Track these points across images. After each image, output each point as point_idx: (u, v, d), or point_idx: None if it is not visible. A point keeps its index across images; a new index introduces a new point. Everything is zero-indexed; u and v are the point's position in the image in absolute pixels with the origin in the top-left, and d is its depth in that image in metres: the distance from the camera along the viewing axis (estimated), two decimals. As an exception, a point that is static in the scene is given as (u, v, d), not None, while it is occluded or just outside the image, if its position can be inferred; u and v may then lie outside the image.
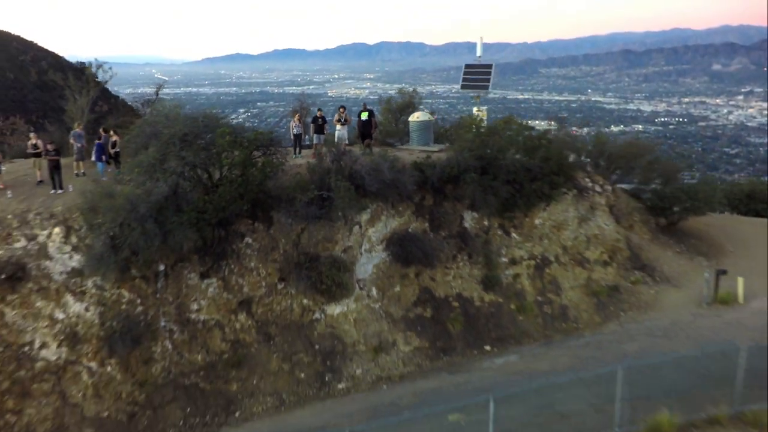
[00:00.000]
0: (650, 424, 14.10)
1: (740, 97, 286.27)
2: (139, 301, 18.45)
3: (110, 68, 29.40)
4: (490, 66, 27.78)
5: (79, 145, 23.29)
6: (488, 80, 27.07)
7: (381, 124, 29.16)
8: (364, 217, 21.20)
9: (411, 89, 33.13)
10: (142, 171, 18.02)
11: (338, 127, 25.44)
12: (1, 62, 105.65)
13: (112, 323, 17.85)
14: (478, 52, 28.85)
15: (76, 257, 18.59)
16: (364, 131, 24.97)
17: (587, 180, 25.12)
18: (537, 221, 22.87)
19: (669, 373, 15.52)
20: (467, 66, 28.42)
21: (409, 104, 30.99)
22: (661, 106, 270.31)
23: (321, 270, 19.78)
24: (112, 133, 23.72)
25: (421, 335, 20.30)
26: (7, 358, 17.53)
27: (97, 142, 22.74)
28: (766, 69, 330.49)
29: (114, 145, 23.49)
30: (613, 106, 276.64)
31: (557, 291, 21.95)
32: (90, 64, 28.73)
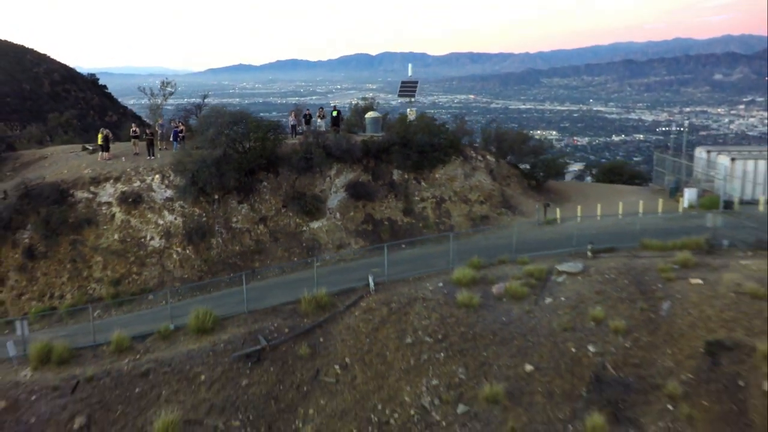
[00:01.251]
0: (468, 263, 25.30)
1: (741, 107, 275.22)
2: (204, 215, 29.60)
3: (173, 82, 40.05)
4: (416, 82, 38.96)
5: (161, 131, 34.51)
6: (414, 91, 38.21)
7: (348, 119, 40.37)
8: (332, 171, 32.33)
9: (371, 97, 44.51)
10: (207, 143, 29.29)
11: (318, 120, 36.64)
12: (18, 74, 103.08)
13: (189, 226, 28.98)
14: (409, 72, 40.09)
15: (169, 191, 29.73)
16: (334, 122, 36.17)
17: (472, 153, 36.24)
18: (437, 175, 33.93)
19: (480, 240, 26.79)
20: (402, 82, 39.60)
21: (369, 107, 42.08)
22: (663, 116, 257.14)
23: (307, 201, 30.90)
24: (180, 124, 35.00)
25: (365, 239, 31.34)
26: (132, 245, 28.62)
27: (174, 129, 33.98)
28: (767, 78, 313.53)
29: (181, 131, 34.65)
30: (614, 116, 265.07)
31: (449, 216, 33.07)
32: (163, 81, 39.37)
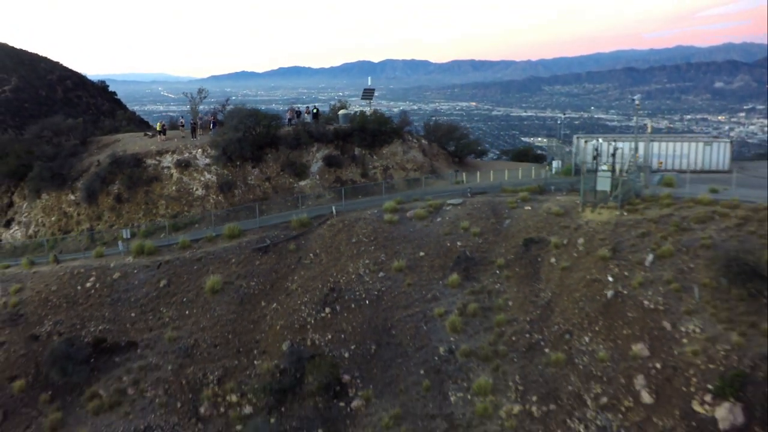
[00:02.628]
0: (394, 200, 36.17)
1: (742, 114, 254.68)
2: (230, 175, 40.24)
3: (205, 89, 50.40)
4: (373, 89, 49.81)
5: (201, 122, 45.25)
6: (372, 96, 49.13)
7: (329, 115, 51.01)
8: (314, 148, 43.05)
9: (344, 99, 55.30)
10: (231, 129, 40.08)
11: (306, 115, 47.47)
12: (33, 81, 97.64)
13: (221, 181, 39.61)
14: (369, 82, 50.98)
15: (207, 159, 40.31)
16: (314, 117, 46.95)
17: (410, 137, 47.15)
18: (384, 151, 44.71)
19: (409, 192, 37.82)
20: (364, 89, 50.41)
21: (343, 106, 52.73)
22: (663, 123, 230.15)
23: (296, 167, 41.63)
24: (214, 117, 45.78)
25: (334, 192, 42.23)
26: (184, 193, 39.34)
27: (212, 121, 44.79)
28: (767, 86, 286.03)
29: (216, 122, 45.34)
30: (615, 123, 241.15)
31: (391, 178, 43.99)
32: (200, 89, 49.64)
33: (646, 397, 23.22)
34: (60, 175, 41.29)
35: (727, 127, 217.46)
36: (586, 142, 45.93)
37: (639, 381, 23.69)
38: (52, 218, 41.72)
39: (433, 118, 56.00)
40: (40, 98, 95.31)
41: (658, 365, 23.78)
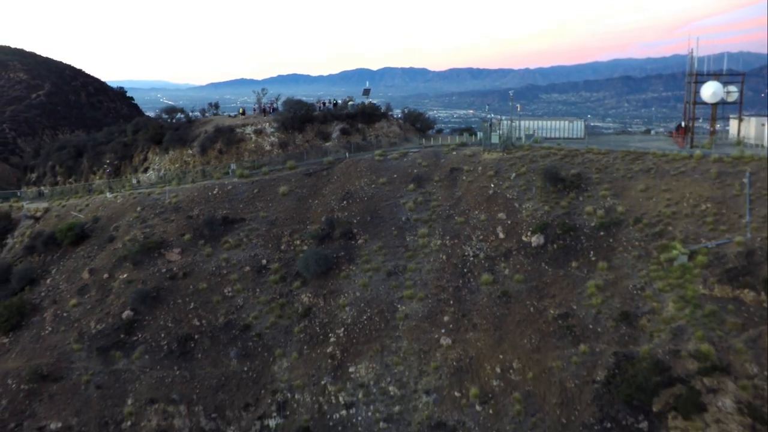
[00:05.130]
0: (380, 150, 52.35)
1: None
2: (286, 138, 55.99)
3: (266, 88, 66.13)
4: (370, 89, 65.74)
5: (265, 108, 61.12)
6: (369, 93, 65.13)
7: (341, 105, 66.87)
8: (334, 123, 58.89)
9: (349, 98, 71.26)
10: (286, 110, 56.10)
11: (328, 104, 63.44)
12: (62, 86, 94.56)
13: (281, 142, 55.48)
14: (367, 85, 66.93)
15: (272, 129, 56.28)
16: (334, 106, 62.85)
17: (392, 118, 63.24)
18: (376, 126, 60.54)
19: (387, 145, 54.15)
20: (364, 89, 66.33)
21: (351, 100, 68.49)
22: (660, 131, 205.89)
23: (324, 134, 57.49)
24: (270, 107, 61.63)
25: (347, 148, 58.21)
26: (259, 147, 55.26)
27: (272, 107, 60.63)
28: (763, 95, 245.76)
29: (274, 108, 61.13)
30: (611, 131, 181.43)
31: (382, 143, 60.19)
32: (263, 89, 65.37)
33: (501, 235, 39.43)
34: (182, 138, 57.22)
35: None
36: (497, 120, 62.16)
37: (499, 228, 39.83)
38: (176, 165, 57.62)
39: (406, 107, 72.19)
40: (70, 102, 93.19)
41: (509, 222, 39.92)
